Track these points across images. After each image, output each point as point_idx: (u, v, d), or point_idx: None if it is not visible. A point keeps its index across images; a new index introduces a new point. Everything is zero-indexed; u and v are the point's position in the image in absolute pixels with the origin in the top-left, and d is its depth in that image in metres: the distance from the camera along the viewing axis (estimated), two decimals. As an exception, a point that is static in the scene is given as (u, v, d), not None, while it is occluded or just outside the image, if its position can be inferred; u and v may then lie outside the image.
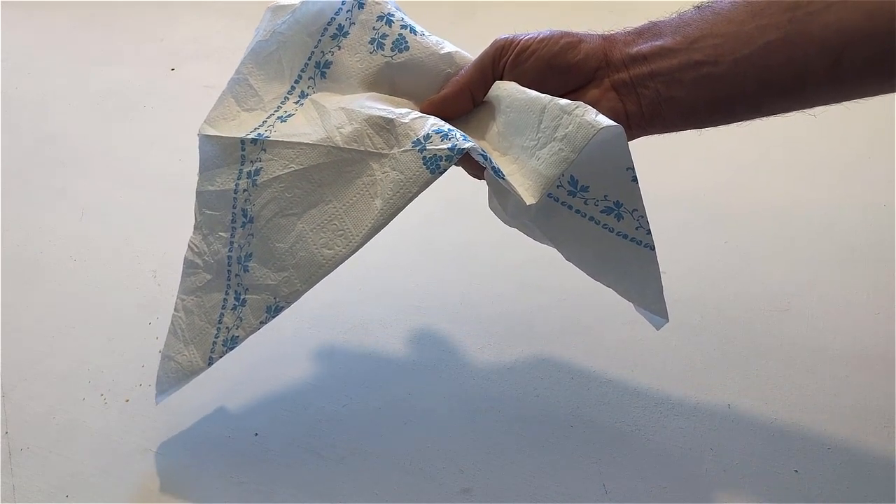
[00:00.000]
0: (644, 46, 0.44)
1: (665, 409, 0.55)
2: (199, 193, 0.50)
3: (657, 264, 0.45)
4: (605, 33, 0.46)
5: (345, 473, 0.52)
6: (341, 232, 0.46)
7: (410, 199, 0.44)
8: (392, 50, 0.49)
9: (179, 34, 1.07)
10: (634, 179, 0.43)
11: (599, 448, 0.53)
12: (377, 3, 0.51)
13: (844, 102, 0.43)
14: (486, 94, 0.48)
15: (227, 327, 0.49)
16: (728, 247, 0.68)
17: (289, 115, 0.49)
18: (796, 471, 0.51)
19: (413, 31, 0.50)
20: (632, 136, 0.45)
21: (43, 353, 0.61)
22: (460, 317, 0.63)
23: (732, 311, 0.62)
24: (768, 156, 0.79)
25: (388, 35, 0.50)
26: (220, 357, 0.49)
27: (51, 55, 1.04)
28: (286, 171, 0.47)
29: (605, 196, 0.44)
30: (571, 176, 0.44)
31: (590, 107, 0.42)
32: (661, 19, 0.45)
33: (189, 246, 0.51)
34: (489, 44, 0.47)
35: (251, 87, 0.50)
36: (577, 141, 0.41)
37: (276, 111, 0.50)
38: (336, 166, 0.46)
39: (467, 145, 0.43)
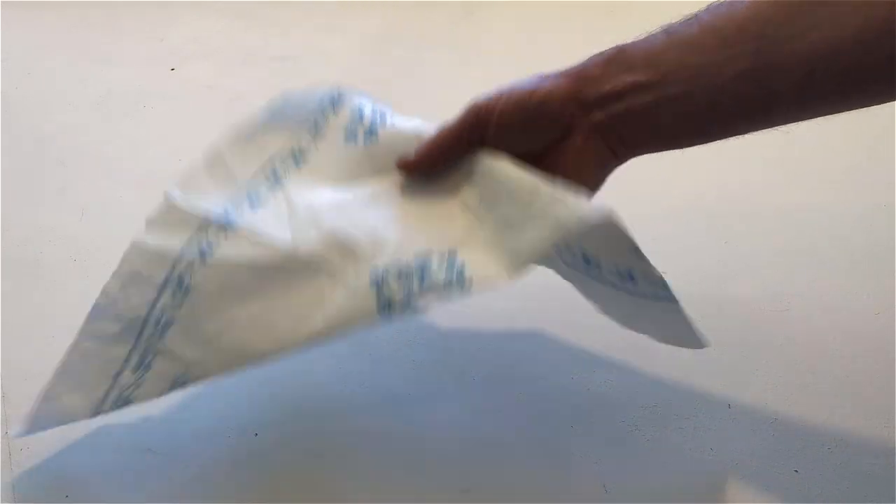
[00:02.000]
0: (617, 83, 0.45)
1: (665, 409, 0.55)
2: (136, 242, 0.49)
3: (683, 312, 0.47)
4: (568, 69, 0.47)
5: (345, 473, 0.52)
6: (276, 333, 0.44)
7: (353, 331, 0.43)
8: (365, 140, 0.52)
9: (179, 34, 1.07)
10: (638, 252, 0.44)
11: (599, 448, 0.53)
12: (350, 99, 0.54)
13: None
14: (468, 159, 0.49)
15: (122, 385, 0.47)
16: (728, 247, 0.68)
17: (259, 201, 0.49)
18: (796, 471, 0.51)
19: (383, 119, 0.52)
20: (618, 164, 0.47)
21: (43, 353, 0.61)
22: (461, 316, 0.63)
23: (732, 311, 0.62)
24: (768, 156, 0.79)
25: (359, 128, 0.52)
26: (108, 413, 0.47)
27: (51, 55, 1.04)
28: (241, 259, 0.46)
29: (616, 267, 0.46)
30: (584, 254, 0.46)
31: (582, 197, 0.42)
32: (629, 44, 0.46)
33: (103, 290, 0.49)
34: (466, 107, 0.48)
35: (224, 164, 0.51)
36: (562, 231, 0.42)
37: (246, 194, 0.50)
38: (291, 272, 0.46)
39: (421, 303, 0.42)
